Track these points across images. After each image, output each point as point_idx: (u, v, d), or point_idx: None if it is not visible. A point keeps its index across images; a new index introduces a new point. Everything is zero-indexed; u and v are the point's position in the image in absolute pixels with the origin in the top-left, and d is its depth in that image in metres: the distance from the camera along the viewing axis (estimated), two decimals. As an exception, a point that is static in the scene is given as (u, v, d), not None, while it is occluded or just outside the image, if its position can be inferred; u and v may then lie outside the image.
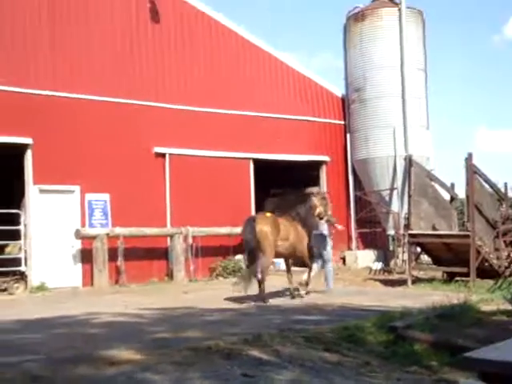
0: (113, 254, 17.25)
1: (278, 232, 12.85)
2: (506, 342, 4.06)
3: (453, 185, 17.82)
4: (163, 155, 19.07)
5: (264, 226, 12.66)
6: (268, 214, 13.58)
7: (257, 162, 20.99)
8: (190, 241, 18.58)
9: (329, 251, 14.63)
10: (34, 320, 10.13)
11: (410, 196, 16.21)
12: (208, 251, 18.97)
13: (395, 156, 21.19)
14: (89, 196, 17.68)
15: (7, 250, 17.27)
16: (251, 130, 20.82)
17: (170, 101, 19.34)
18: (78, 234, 17.14)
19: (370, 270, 20.50)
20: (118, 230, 17.49)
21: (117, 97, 18.36)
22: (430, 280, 16.16)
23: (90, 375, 5.75)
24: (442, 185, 17.40)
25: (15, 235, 16.82)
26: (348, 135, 22.86)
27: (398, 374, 6.72)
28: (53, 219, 17.10)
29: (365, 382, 6.15)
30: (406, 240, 17.23)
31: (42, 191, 16.98)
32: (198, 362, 6.51)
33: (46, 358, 6.60)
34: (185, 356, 6.74)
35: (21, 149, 16.87)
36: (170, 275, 18.48)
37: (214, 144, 19.85)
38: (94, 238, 17.13)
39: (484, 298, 11.75)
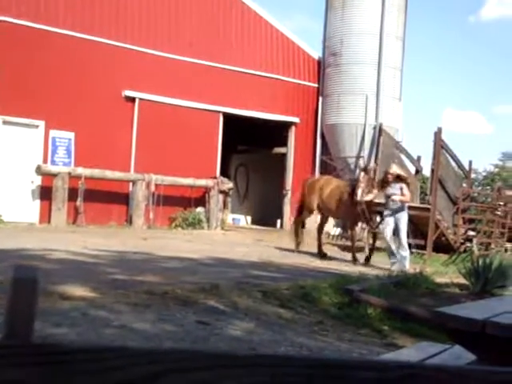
0: (73, 194, 17.05)
1: (318, 194, 14.16)
2: (474, 303, 4.13)
3: (419, 158, 17.98)
4: (133, 99, 18.78)
5: (306, 187, 14.51)
6: (316, 178, 15.21)
7: (226, 116, 20.82)
8: (152, 188, 18.44)
9: (384, 230, 12.60)
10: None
11: (376, 165, 16.30)
12: (169, 201, 18.87)
13: (365, 124, 21.21)
14: (53, 133, 17.37)
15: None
16: (224, 84, 20.60)
17: (145, 45, 18.98)
18: (39, 170, 16.87)
19: (329, 235, 20.66)
20: (80, 170, 17.26)
21: (92, 34, 17.95)
22: (387, 249, 16.34)
23: (43, 308, 5.67)
24: (409, 157, 17.54)
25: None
26: (320, 99, 22.79)
27: (350, 335, 6.81)
28: (14, 152, 16.79)
29: (317, 340, 6.21)
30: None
31: (5, 122, 16.63)
32: (153, 306, 6.50)
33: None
34: (141, 298, 6.73)
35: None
36: (129, 221, 18.38)
37: (185, 93, 19.62)
38: (55, 175, 16.87)
39: (438, 270, 11.95)
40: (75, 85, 17.58)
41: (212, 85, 20.30)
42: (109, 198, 18.06)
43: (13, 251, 9.83)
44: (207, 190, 19.76)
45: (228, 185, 20.25)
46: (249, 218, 25.88)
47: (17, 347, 1.05)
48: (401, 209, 12.41)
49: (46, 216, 17.04)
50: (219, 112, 20.61)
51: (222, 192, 19.89)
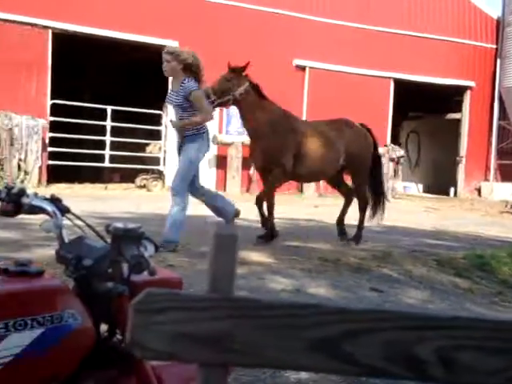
0: (246, 163, 17.51)
1: None
2: None
3: None
4: (303, 68, 18.88)
5: None
6: None
7: (397, 82, 20.36)
8: (323, 156, 18.47)
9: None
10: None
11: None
12: (339, 169, 18.83)
13: (548, 86, 19.91)
14: (227, 104, 17.89)
15: (148, 149, 17.98)
16: (394, 49, 20.10)
17: (314, 13, 18.96)
18: (214, 140, 17.47)
19: (507, 203, 19.70)
20: (253, 140, 17.66)
21: (263, 5, 18.22)
22: None
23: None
24: None
25: (156, 135, 17.44)
26: (498, 60, 21.61)
27: (532, 307, 6.50)
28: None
29: (497, 311, 5.98)
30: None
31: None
32: (326, 272, 6.58)
33: (183, 251, 6.89)
34: (314, 264, 6.83)
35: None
36: (300, 189, 18.61)
37: (354, 60, 19.40)
38: (229, 145, 17.43)
39: None
40: (248, 55, 17.86)
41: (382, 51, 19.89)
42: (280, 167, 18.35)
43: (194, 217, 10.28)
44: (377, 157, 19.47)
45: (399, 152, 19.86)
46: (420, 186, 25.28)
47: (219, 300, 1.11)
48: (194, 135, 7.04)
49: (221, 184, 17.69)
50: (390, 78, 20.19)
51: (392, 160, 19.54)
